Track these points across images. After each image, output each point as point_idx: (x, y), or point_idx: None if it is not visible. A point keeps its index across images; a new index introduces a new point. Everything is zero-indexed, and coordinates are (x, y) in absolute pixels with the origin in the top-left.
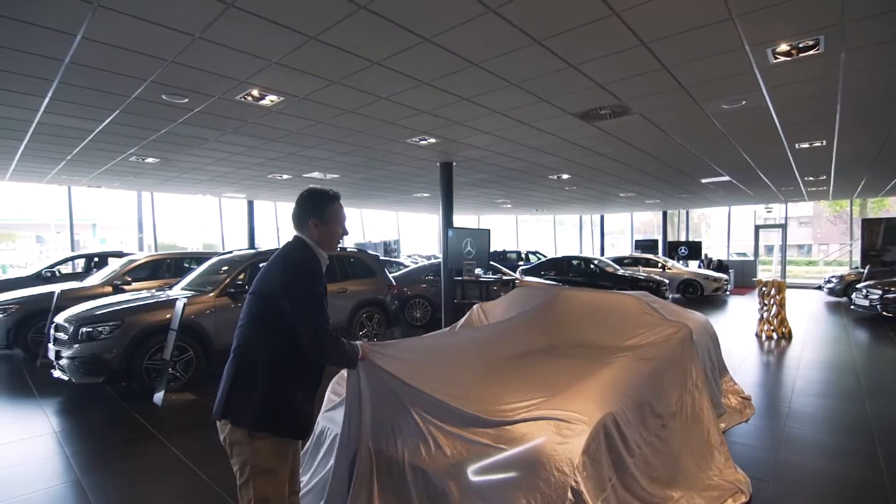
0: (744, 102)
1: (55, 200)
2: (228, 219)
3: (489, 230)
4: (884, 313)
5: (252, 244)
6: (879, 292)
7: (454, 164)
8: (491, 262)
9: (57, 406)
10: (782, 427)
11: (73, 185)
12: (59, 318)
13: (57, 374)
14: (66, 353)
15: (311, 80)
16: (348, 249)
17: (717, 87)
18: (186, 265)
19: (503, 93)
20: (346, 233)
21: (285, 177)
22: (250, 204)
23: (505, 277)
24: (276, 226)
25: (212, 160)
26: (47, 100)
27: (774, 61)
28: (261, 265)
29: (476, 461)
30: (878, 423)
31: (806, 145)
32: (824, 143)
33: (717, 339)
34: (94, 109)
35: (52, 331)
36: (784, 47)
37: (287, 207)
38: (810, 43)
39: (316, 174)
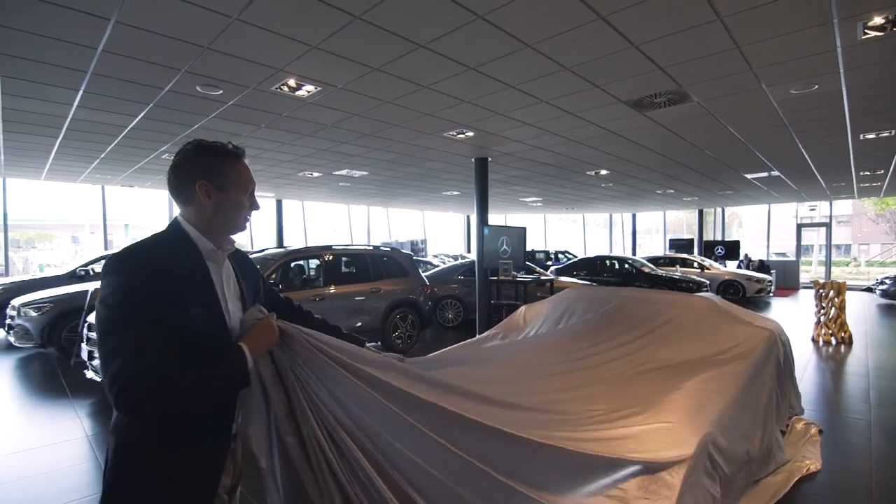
0: (816, 87)
1: (89, 201)
2: (256, 218)
3: (525, 228)
4: None
5: (281, 243)
6: None
7: (489, 159)
8: (528, 263)
9: (89, 408)
10: (869, 444)
11: (106, 184)
12: (92, 318)
13: (90, 374)
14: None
15: (350, 66)
16: (381, 248)
17: (790, 70)
18: None
19: (554, 78)
20: (255, 206)
21: (316, 174)
22: (279, 203)
23: (542, 278)
24: (304, 226)
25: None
26: (81, 93)
27: (863, 37)
28: (292, 264)
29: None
30: None
31: (872, 136)
32: (893, 132)
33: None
34: (127, 103)
35: (85, 330)
36: (878, 20)
37: (314, 207)
38: None
39: (346, 171)
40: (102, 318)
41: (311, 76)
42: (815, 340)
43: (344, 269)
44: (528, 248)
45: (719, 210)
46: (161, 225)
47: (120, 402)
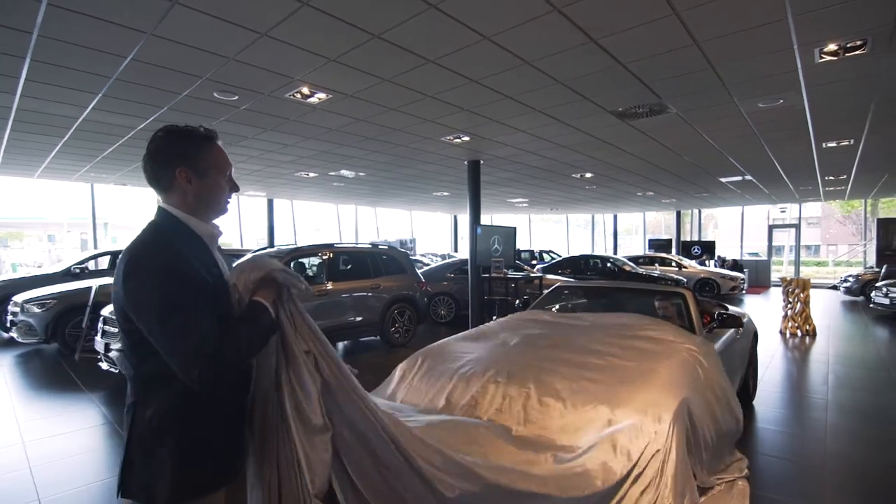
0: (781, 101)
1: (68, 199)
2: (245, 217)
3: (515, 228)
4: None
5: (272, 242)
6: None
7: (482, 162)
8: (517, 261)
9: (106, 397)
10: (825, 417)
11: (100, 182)
12: (107, 311)
13: (105, 366)
14: (116, 345)
15: (363, 77)
16: (379, 246)
17: (757, 86)
18: None
19: (548, 90)
20: (235, 188)
21: (312, 175)
22: (270, 202)
23: (532, 275)
24: (294, 225)
25: (244, 158)
26: (99, 97)
27: (820, 61)
28: (297, 261)
29: None
30: None
31: (833, 144)
32: (852, 141)
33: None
34: (142, 106)
35: (100, 324)
36: (832, 47)
37: (304, 206)
38: (858, 43)
39: (344, 172)
40: (154, 311)
41: (324, 85)
42: (782, 333)
43: (345, 267)
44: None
45: (696, 211)
46: (143, 223)
47: (203, 379)
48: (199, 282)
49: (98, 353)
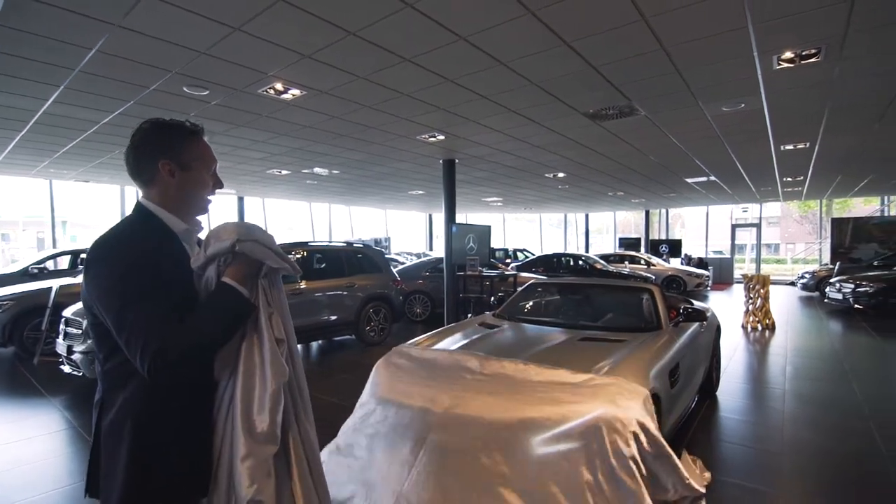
0: (743, 105)
1: (23, 196)
2: (214, 215)
3: (490, 227)
4: (856, 306)
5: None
6: (852, 286)
7: (457, 161)
8: (491, 259)
9: (69, 402)
10: (783, 407)
11: (60, 178)
12: (68, 313)
13: (68, 369)
14: (79, 347)
15: (338, 74)
16: (354, 244)
17: (721, 91)
18: None
19: (522, 91)
20: (219, 184)
21: (285, 172)
22: (240, 200)
23: (506, 273)
24: (265, 223)
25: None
26: (61, 89)
27: (778, 67)
28: None
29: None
30: (868, 402)
31: (791, 147)
32: (808, 144)
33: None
34: (107, 100)
35: (62, 325)
36: (789, 55)
37: (277, 204)
38: (813, 51)
39: (317, 170)
40: (111, 301)
41: (299, 81)
42: (744, 327)
43: (319, 265)
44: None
45: (664, 211)
46: (107, 222)
47: (156, 370)
48: (161, 276)
49: (60, 355)
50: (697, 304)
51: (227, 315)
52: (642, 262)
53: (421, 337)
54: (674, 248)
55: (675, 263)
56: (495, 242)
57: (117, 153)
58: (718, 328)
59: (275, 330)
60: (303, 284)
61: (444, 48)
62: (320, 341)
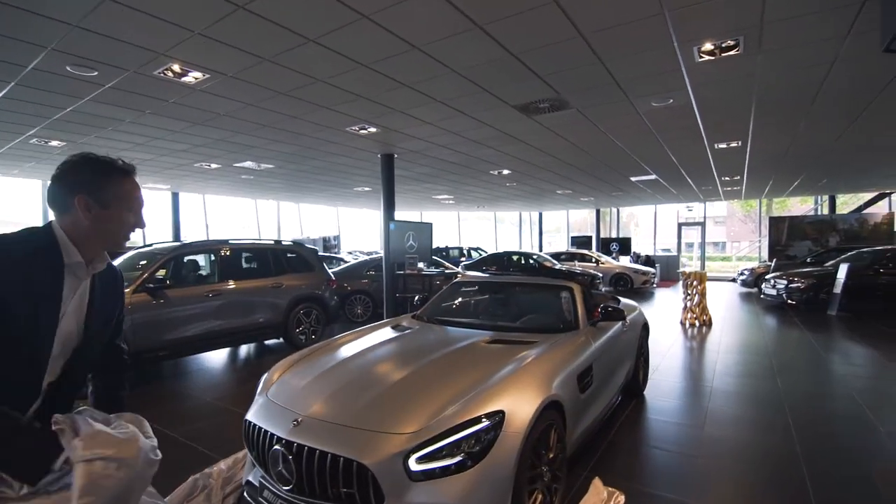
0: (671, 101)
1: None
2: (151, 212)
3: (431, 224)
4: (788, 301)
5: (177, 238)
6: (784, 282)
7: (395, 155)
8: (434, 257)
9: None
10: (707, 405)
11: None
12: None
13: None
14: None
15: (238, 55)
16: (283, 242)
17: (648, 84)
18: None
19: (444, 80)
20: (140, 224)
21: (214, 166)
22: (175, 196)
23: (447, 271)
24: (205, 220)
25: (130, 145)
26: None
27: (700, 60)
28: (184, 259)
29: None
30: (788, 397)
31: (724, 146)
32: (739, 143)
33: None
34: None
35: None
36: (708, 46)
37: (219, 202)
38: (731, 43)
39: (249, 163)
40: None
41: (196, 62)
42: (682, 324)
43: (242, 265)
44: (443, 245)
45: (615, 210)
46: (33, 220)
47: None
48: None
49: None
50: (626, 301)
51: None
52: (592, 260)
53: (318, 344)
54: (624, 246)
55: (625, 261)
56: (450, 241)
57: (18, 142)
58: (646, 326)
59: None
60: (222, 285)
61: (348, 27)
62: (246, 346)
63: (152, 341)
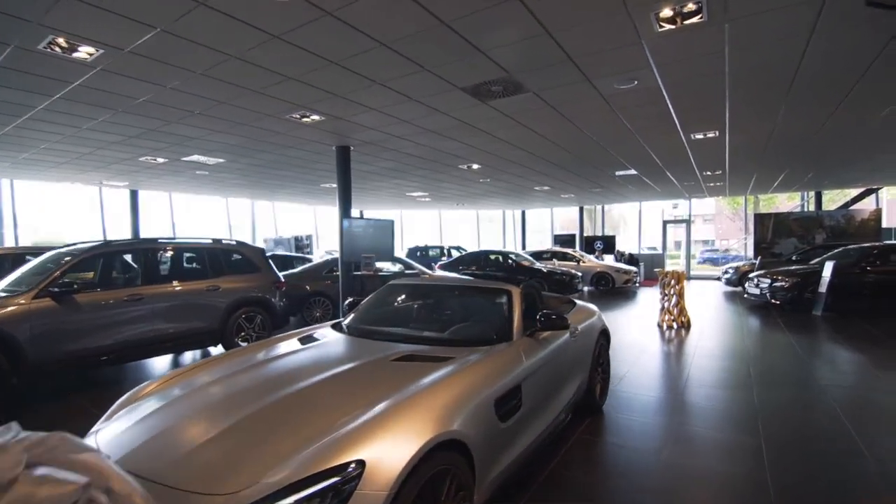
0: (636, 82)
1: None
2: (116, 212)
3: (392, 221)
4: (772, 301)
5: (136, 237)
6: (768, 281)
7: (352, 148)
8: (404, 258)
9: None
10: (669, 423)
11: None
12: None
13: None
14: None
15: (128, 24)
16: (224, 241)
17: (605, 61)
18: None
19: (376, 56)
20: None
21: (160, 160)
22: (133, 194)
23: (408, 271)
24: (172, 219)
25: (59, 136)
26: None
27: (660, 30)
28: (104, 260)
29: None
30: (764, 413)
31: (701, 136)
32: (717, 133)
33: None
34: None
35: None
36: (667, 12)
37: (186, 200)
38: (692, 7)
39: (197, 157)
40: None
41: (83, 34)
42: (659, 325)
43: (172, 266)
44: (423, 245)
45: (599, 208)
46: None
47: None
48: None
49: None
50: (582, 303)
51: None
52: (574, 258)
53: (189, 366)
54: (608, 244)
55: (609, 260)
56: (431, 240)
57: None
58: (605, 332)
59: None
60: (146, 289)
61: None
62: (176, 354)
63: (55, 352)
